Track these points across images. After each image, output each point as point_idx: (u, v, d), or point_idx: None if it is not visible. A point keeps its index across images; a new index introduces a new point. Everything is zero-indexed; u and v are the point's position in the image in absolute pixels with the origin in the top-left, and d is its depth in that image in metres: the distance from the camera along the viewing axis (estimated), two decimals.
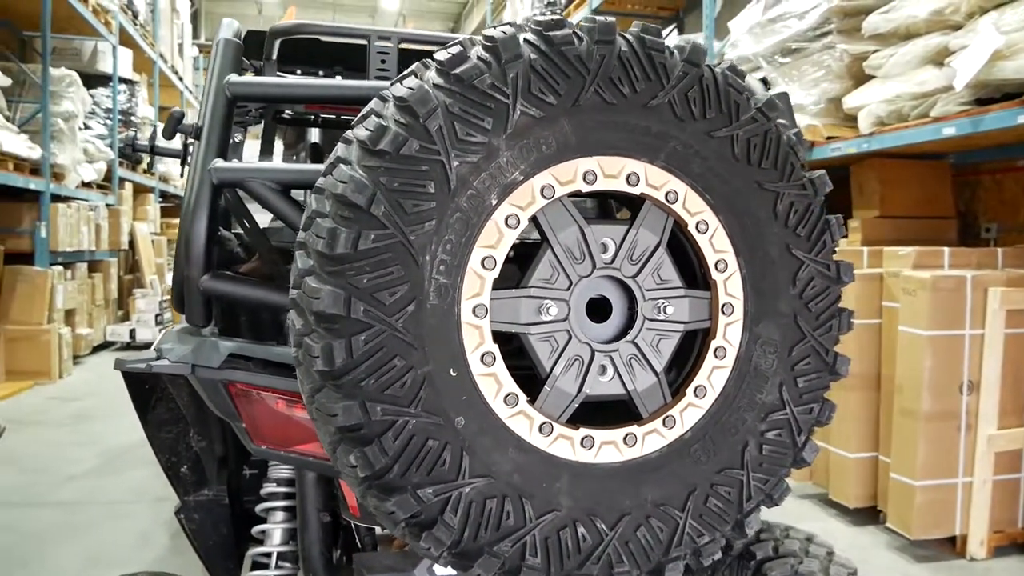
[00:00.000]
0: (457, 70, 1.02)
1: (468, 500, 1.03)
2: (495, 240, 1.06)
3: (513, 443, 1.06)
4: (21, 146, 7.05)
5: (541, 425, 1.08)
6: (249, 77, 1.34)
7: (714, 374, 1.16)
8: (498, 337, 1.11)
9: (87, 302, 8.67)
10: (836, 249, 1.20)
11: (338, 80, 1.89)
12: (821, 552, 1.91)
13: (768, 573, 1.86)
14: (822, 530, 4.07)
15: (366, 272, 0.98)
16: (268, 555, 2.05)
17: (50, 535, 3.85)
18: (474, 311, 1.05)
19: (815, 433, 1.26)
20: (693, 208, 1.14)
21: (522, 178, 1.05)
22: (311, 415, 1.06)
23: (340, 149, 1.04)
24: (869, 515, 4.08)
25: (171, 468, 2.19)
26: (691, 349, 1.20)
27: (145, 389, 2.00)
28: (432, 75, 1.03)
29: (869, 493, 4.09)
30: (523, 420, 1.08)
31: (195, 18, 20.83)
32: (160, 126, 2.40)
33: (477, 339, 1.05)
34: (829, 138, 4.88)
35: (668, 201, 1.13)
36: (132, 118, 10.39)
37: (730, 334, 1.17)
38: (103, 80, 9.77)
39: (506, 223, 1.06)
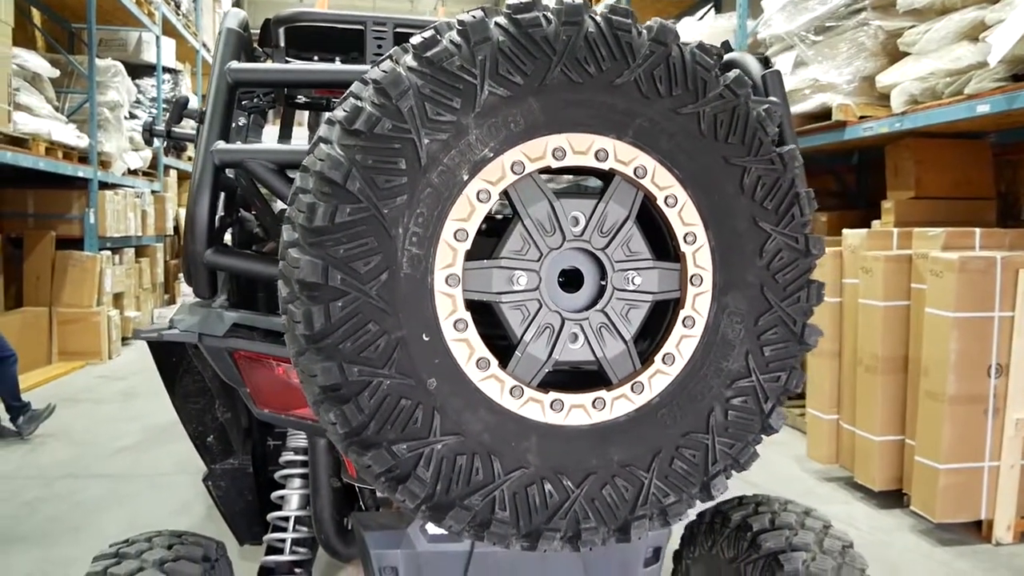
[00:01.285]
0: (428, 53, 1.08)
1: (439, 456, 1.10)
2: (467, 213, 1.12)
3: (484, 404, 1.13)
4: (70, 135, 7.33)
5: (512, 388, 1.14)
6: (247, 64, 1.42)
7: (683, 342, 1.21)
8: (476, 305, 1.17)
9: (134, 286, 9.01)
10: (808, 222, 1.23)
11: (329, 65, 1.96)
12: (817, 525, 1.94)
13: (763, 544, 1.89)
14: (846, 512, 4.07)
15: (342, 243, 1.06)
16: (286, 519, 2.16)
17: (97, 504, 4.07)
18: (447, 280, 1.11)
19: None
20: (662, 183, 1.18)
21: (492, 155, 1.11)
22: (299, 377, 1.14)
23: (323, 129, 1.11)
24: (894, 498, 4.05)
25: (198, 437, 2.32)
26: (663, 318, 1.25)
27: (172, 362, 2.11)
28: (408, 59, 1.09)
29: (894, 476, 4.05)
30: (495, 383, 1.14)
31: (238, 5, 21.18)
32: None
33: (450, 307, 1.12)
34: (862, 117, 4.80)
35: (637, 176, 1.17)
36: None
37: (699, 304, 1.21)
38: (148, 70, 10.06)
39: (477, 197, 1.12)
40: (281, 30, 1.95)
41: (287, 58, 2.09)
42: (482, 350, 1.13)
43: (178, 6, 11.22)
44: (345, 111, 1.08)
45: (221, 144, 1.37)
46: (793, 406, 5.67)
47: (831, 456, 4.56)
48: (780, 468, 4.79)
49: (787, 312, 1.21)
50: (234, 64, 1.41)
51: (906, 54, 4.48)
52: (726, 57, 2.00)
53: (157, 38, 10.04)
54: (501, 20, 1.10)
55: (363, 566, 1.53)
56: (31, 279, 7.64)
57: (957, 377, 3.56)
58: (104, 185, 8.33)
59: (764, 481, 4.51)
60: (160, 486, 4.26)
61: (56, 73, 7.44)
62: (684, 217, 1.19)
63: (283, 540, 2.12)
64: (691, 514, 2.22)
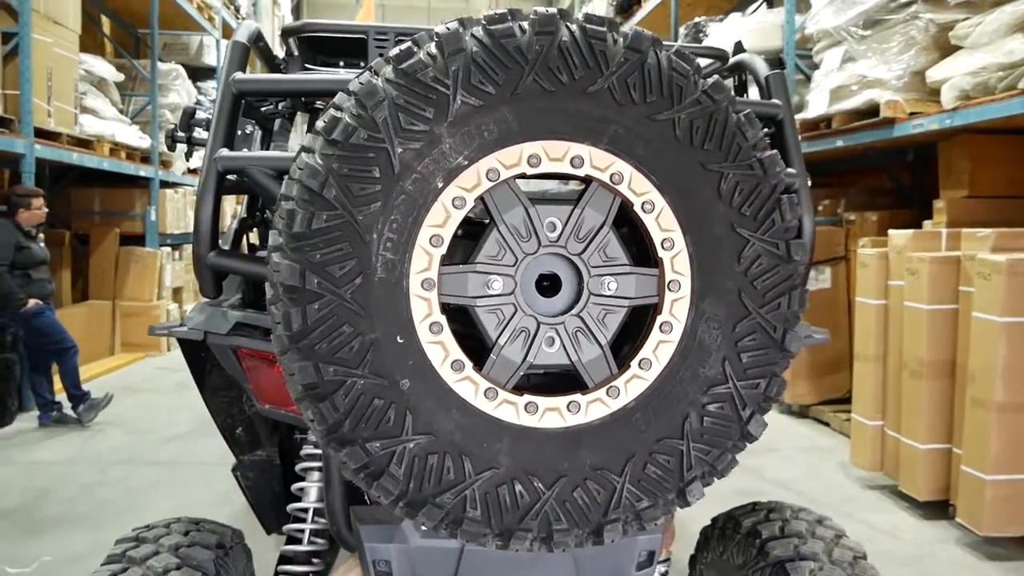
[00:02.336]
0: (404, 65, 1.11)
1: (412, 455, 1.13)
2: (442, 220, 1.15)
3: (457, 405, 1.15)
4: (133, 136, 7.67)
5: (486, 390, 1.17)
6: (250, 75, 1.48)
7: (660, 348, 1.21)
8: (455, 309, 1.20)
9: (193, 281, 9.36)
10: (790, 227, 1.21)
11: (321, 75, 2.01)
12: (828, 534, 1.90)
13: (771, 552, 1.87)
14: (890, 522, 3.96)
15: (319, 248, 1.10)
16: (305, 510, 2.23)
17: (147, 490, 4.27)
18: (422, 284, 1.14)
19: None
20: (639, 188, 1.18)
21: (467, 163, 1.13)
22: (284, 375, 1.19)
23: (307, 139, 1.16)
24: (940, 509, 3.90)
25: (227, 429, 2.41)
26: (643, 323, 1.25)
27: (200, 357, 2.21)
28: (387, 70, 1.13)
29: (941, 486, 3.91)
30: (469, 385, 1.16)
31: (297, 9, 21.64)
32: None
33: (426, 310, 1.15)
34: (912, 114, 4.64)
35: (613, 182, 1.18)
36: None
37: (676, 310, 1.21)
38: (208, 73, 10.43)
39: (453, 204, 1.14)
40: (292, 40, 2.03)
41: (308, 66, 2.16)
42: (457, 352, 1.16)
43: (237, 10, 11.58)
44: (325, 121, 1.12)
45: (224, 151, 1.43)
46: (840, 411, 5.53)
47: (875, 463, 4.43)
48: (824, 474, 4.68)
49: (766, 318, 1.20)
50: (238, 75, 1.47)
51: (957, 48, 4.31)
52: (737, 58, 1.98)
53: (217, 42, 10.40)
54: (477, 31, 1.12)
55: (360, 559, 1.58)
56: (96, 274, 8.03)
57: (1005, 384, 3.42)
58: (165, 184, 8.69)
59: (807, 488, 4.42)
60: (207, 475, 4.44)
61: (121, 77, 7.79)
62: (662, 223, 1.19)
63: (302, 530, 2.19)
64: (706, 519, 2.22)
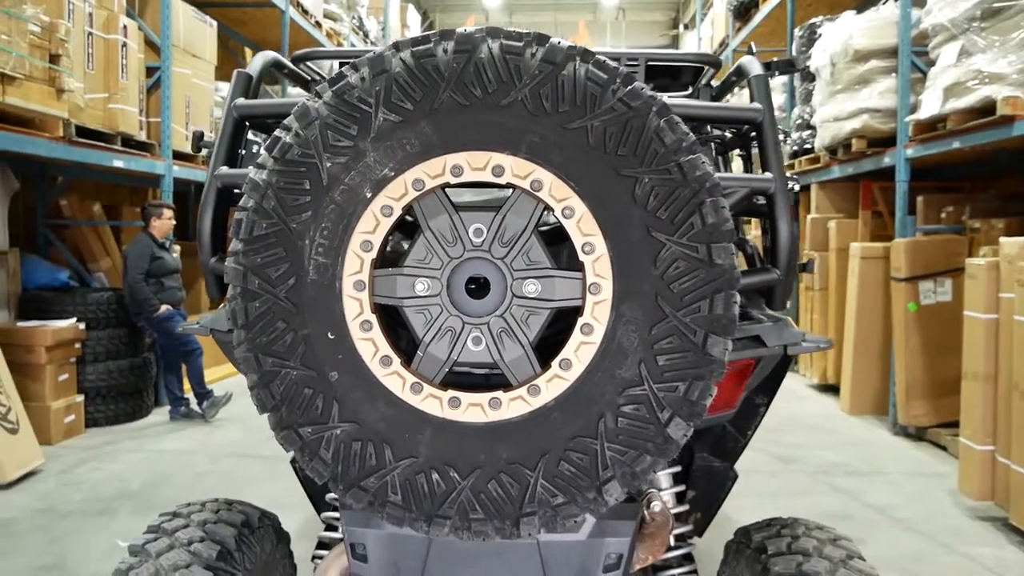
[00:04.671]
0: (335, 87, 1.23)
1: (338, 441, 1.24)
2: (373, 227, 1.25)
3: (384, 397, 1.25)
4: None
5: (412, 384, 1.25)
6: (249, 100, 1.66)
7: (581, 349, 1.23)
8: (385, 308, 1.29)
9: None
10: (715, 231, 1.20)
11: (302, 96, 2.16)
12: (838, 554, 1.81)
13: (772, 568, 1.81)
14: (994, 557, 3.62)
15: (259, 253, 1.24)
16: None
17: (251, 480, 4.65)
18: (354, 285, 1.25)
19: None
20: (559, 195, 1.22)
21: (393, 174, 1.23)
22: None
23: (262, 156, 1.30)
24: None
25: None
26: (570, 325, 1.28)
27: None
28: (328, 92, 1.25)
29: None
30: (396, 379, 1.25)
31: (430, 24, 22.59)
32: None
33: (357, 309, 1.25)
34: None
35: (534, 189, 1.23)
36: None
37: (598, 312, 1.23)
38: None
39: (382, 212, 1.24)
40: (300, 66, 2.21)
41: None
42: (386, 348, 1.25)
43: (366, 35, 12.30)
44: (269, 139, 1.26)
45: (224, 169, 1.61)
46: (953, 434, 5.08)
47: (984, 492, 4.05)
48: (930, 502, 4.34)
49: (684, 322, 1.20)
50: (239, 101, 1.66)
51: None
52: (739, 62, 1.95)
53: None
54: (404, 53, 1.22)
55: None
56: None
57: None
58: None
59: (906, 515, 4.12)
60: None
61: None
62: (582, 228, 1.23)
63: (337, 518, 2.36)
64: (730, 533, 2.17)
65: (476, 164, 1.23)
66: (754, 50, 1.95)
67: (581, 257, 1.23)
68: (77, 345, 5.54)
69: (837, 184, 7.24)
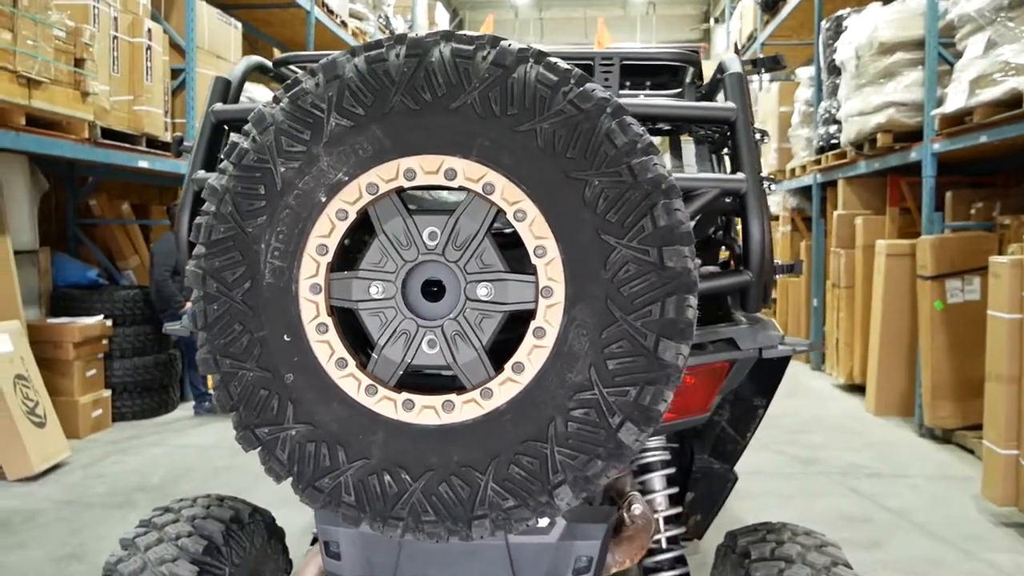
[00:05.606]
0: (290, 92, 1.24)
1: (293, 441, 1.26)
2: (328, 231, 1.25)
3: (338, 399, 1.26)
4: None
5: (367, 387, 1.26)
6: (226, 106, 1.69)
7: (533, 352, 1.22)
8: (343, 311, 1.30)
9: None
10: (667, 233, 1.18)
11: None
12: (822, 561, 1.78)
13: (753, 573, 1.79)
14: (1014, 564, 3.51)
15: (217, 256, 1.26)
16: None
17: (266, 476, 4.72)
18: (310, 289, 1.26)
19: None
20: (511, 198, 1.22)
21: (347, 178, 1.24)
22: None
23: (224, 162, 1.32)
24: None
25: None
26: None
27: None
28: (284, 98, 1.27)
29: None
30: (352, 381, 1.26)
31: (460, 24, 22.62)
32: None
33: (314, 312, 1.26)
34: None
35: (486, 192, 1.22)
36: None
37: (550, 316, 1.22)
38: None
39: (337, 216, 1.25)
40: (281, 69, 2.24)
41: None
42: (341, 351, 1.26)
43: (392, 33, 12.37)
44: (227, 146, 1.28)
45: (201, 173, 1.65)
46: (980, 437, 4.94)
47: (1008, 498, 3.94)
48: (951, 506, 4.23)
49: (634, 326, 1.18)
50: (217, 106, 1.69)
51: None
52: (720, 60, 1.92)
53: None
54: (358, 58, 1.23)
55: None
56: None
57: None
58: None
59: (926, 520, 4.02)
60: None
61: None
62: (535, 231, 1.22)
63: None
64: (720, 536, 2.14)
65: (428, 168, 1.23)
66: (738, 48, 1.92)
67: (534, 260, 1.23)
68: (105, 341, 5.69)
69: (864, 180, 7.08)
